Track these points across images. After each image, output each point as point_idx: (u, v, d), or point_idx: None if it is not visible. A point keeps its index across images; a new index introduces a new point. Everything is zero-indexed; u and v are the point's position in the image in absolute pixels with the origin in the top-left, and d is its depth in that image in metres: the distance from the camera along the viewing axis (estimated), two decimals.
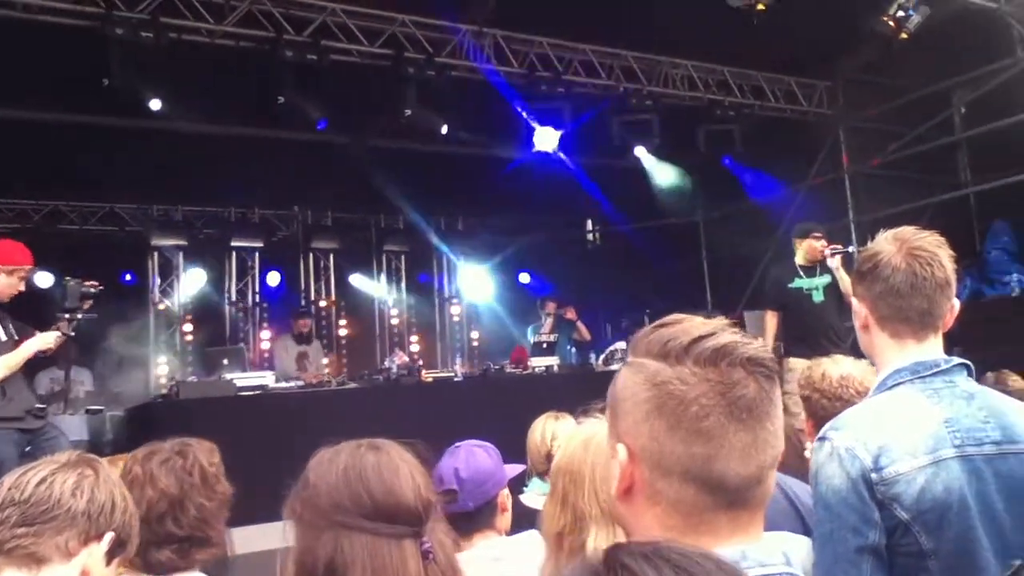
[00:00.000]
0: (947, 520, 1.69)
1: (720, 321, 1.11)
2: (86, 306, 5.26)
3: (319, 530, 1.51)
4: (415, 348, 13.35)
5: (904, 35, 7.71)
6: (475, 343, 14.06)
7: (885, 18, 7.65)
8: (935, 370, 1.87)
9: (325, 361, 10.45)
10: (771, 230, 11.10)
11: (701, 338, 1.07)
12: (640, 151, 10.51)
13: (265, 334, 12.03)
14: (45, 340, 5.00)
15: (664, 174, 11.24)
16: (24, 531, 1.59)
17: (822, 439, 1.82)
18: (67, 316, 5.10)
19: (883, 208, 9.53)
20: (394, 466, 1.56)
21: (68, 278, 5.33)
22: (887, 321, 1.92)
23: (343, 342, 13.16)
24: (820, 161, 11.13)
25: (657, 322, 1.13)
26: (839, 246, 6.80)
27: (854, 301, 2.00)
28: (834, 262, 6.71)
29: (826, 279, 6.89)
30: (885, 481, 1.72)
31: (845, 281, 6.48)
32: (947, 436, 1.76)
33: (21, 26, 6.64)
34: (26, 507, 1.61)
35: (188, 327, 11.87)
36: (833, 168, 11.03)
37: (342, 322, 13.28)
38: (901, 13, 7.61)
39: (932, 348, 1.91)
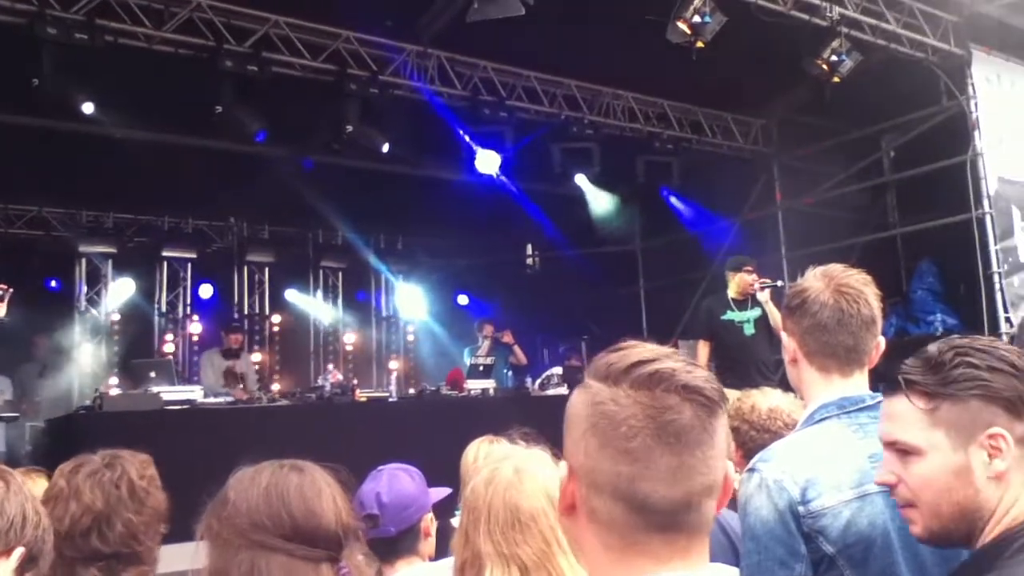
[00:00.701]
0: (871, 554, 1.72)
1: (669, 349, 1.12)
2: None
3: (235, 549, 1.47)
4: (350, 367, 13.19)
5: (836, 79, 7.93)
6: (411, 363, 13.96)
7: (819, 61, 7.86)
8: (861, 405, 1.90)
9: (256, 375, 10.22)
10: (707, 260, 11.32)
11: (641, 363, 1.08)
12: (580, 178, 10.62)
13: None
14: None
15: (602, 202, 11.37)
16: None
17: (751, 470, 1.84)
18: None
19: (814, 245, 9.77)
20: (317, 488, 1.53)
21: None
22: (814, 356, 1.95)
23: (276, 358, 12.94)
24: (754, 196, 11.38)
25: (613, 346, 1.15)
26: (768, 280, 6.94)
27: (783, 335, 2.04)
28: (763, 295, 6.84)
29: (757, 312, 7.01)
30: (812, 514, 1.74)
31: (774, 314, 6.61)
32: (871, 471, 1.78)
33: None
34: None
35: (115, 338, 11.56)
36: (767, 204, 11.29)
37: (276, 337, 13.06)
38: (834, 58, 7.83)
39: (858, 384, 1.95)
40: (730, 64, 7.95)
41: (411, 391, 10.19)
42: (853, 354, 1.94)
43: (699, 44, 7.18)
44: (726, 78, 8.83)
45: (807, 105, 9.56)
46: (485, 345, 10.30)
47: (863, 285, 1.97)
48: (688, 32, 7.14)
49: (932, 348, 1.52)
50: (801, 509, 1.74)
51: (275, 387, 10.94)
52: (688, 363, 1.11)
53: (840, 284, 1.95)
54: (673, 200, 11.33)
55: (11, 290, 5.13)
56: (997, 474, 1.41)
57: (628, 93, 10.10)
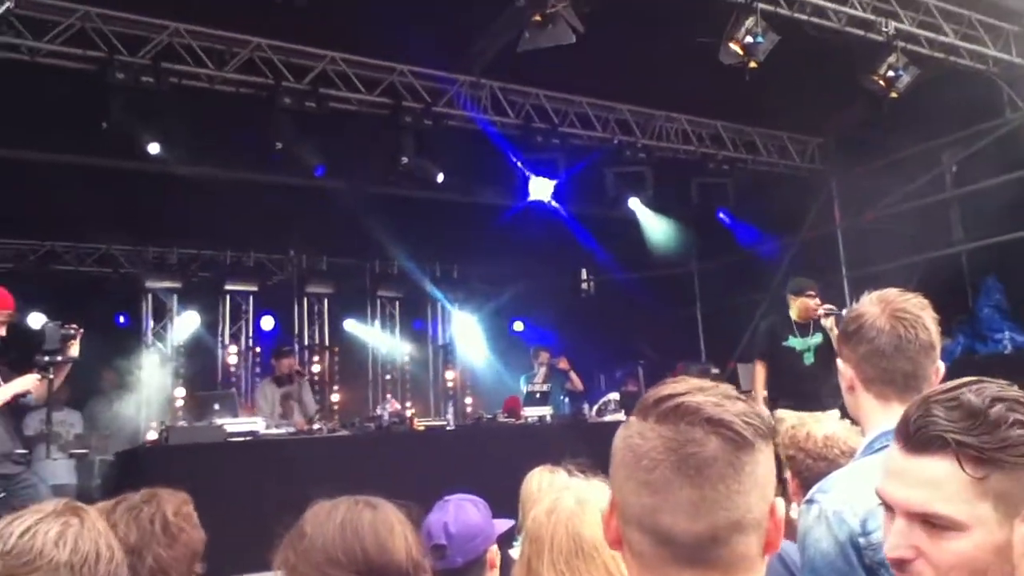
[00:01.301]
0: None
1: (714, 384, 1.13)
2: (70, 349, 5.23)
3: None
4: (408, 395, 13.27)
5: (894, 94, 7.81)
6: (468, 391, 13.99)
7: (875, 77, 7.76)
8: None
9: (315, 401, 10.29)
10: (765, 282, 11.16)
11: (670, 396, 1.10)
12: (634, 202, 10.60)
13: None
14: (24, 384, 4.98)
15: (657, 225, 11.32)
16: None
17: (810, 501, 1.82)
18: (47, 359, 5.08)
19: (876, 264, 9.58)
20: (389, 525, 1.57)
21: (47, 321, 5.33)
22: (872, 383, 1.92)
23: (336, 388, 13.08)
24: (812, 215, 11.22)
25: (667, 378, 1.18)
26: (833, 306, 6.78)
27: (839, 362, 2.00)
28: (828, 322, 6.68)
29: (818, 339, 6.89)
30: (873, 546, 1.69)
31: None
32: None
33: (25, 68, 6.72)
34: (8, 558, 1.58)
35: (181, 371, 11.81)
36: (825, 223, 11.12)
37: (337, 367, 13.21)
38: (891, 73, 7.72)
39: None
40: (785, 83, 7.88)
41: (468, 420, 10.22)
42: (912, 380, 1.90)
43: (752, 64, 7.14)
44: (781, 97, 8.75)
45: (865, 121, 9.42)
46: (541, 372, 10.29)
47: (920, 309, 1.93)
48: (741, 53, 7.10)
49: (972, 399, 1.26)
50: (862, 541, 1.70)
51: (335, 417, 11.06)
52: (725, 396, 1.10)
53: (896, 309, 1.92)
54: (729, 221, 11.22)
55: (82, 330, 5.27)
56: None
57: (681, 115, 10.08)
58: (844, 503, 1.75)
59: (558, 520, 1.90)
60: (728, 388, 1.12)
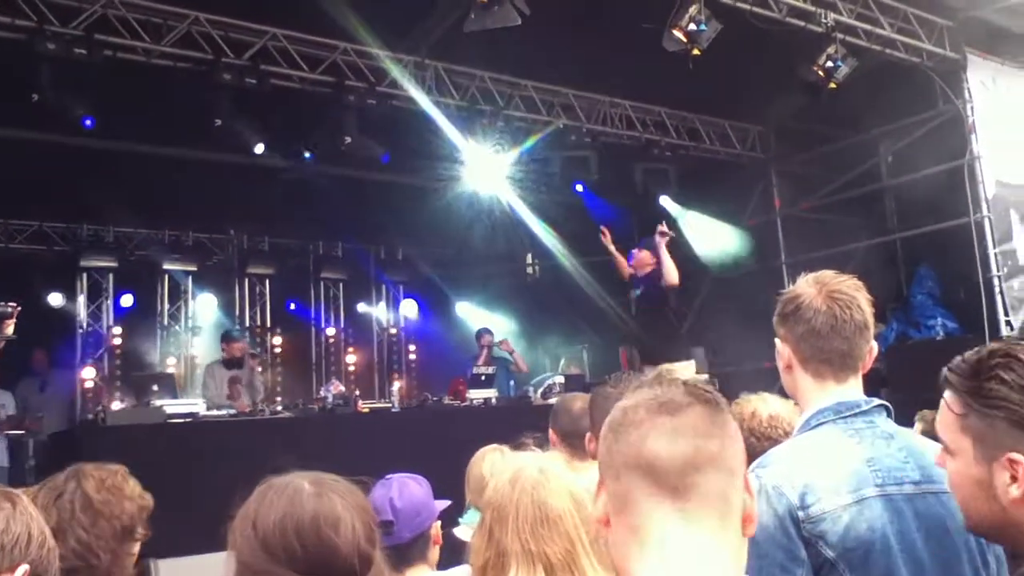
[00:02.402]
0: (872, 559, 1.73)
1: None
2: (7, 328, 5.08)
3: (253, 572, 1.49)
4: (351, 378, 13.18)
5: (833, 85, 7.96)
6: (413, 374, 13.94)
7: (815, 68, 7.89)
8: (856, 410, 1.92)
9: (262, 382, 10.16)
10: (706, 269, 11.32)
11: (657, 376, 1.27)
12: (579, 187, 10.64)
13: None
14: None
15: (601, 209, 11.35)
16: None
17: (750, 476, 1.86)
18: None
19: (813, 251, 9.78)
20: (334, 517, 1.53)
21: None
22: (809, 362, 1.96)
23: (278, 370, 12.93)
24: (753, 203, 11.39)
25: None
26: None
27: (777, 342, 2.04)
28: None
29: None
30: (811, 519, 1.75)
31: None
32: (869, 475, 1.81)
33: None
34: None
35: (116, 352, 11.56)
36: (765, 210, 11.30)
37: (277, 349, 13.05)
38: (830, 64, 7.86)
39: (852, 389, 1.96)
40: (727, 71, 7.98)
41: (413, 402, 10.20)
42: (848, 359, 1.95)
43: (695, 52, 7.20)
44: (722, 85, 8.86)
45: (804, 111, 9.59)
46: (483, 354, 10.31)
47: (855, 291, 1.98)
48: (684, 40, 7.17)
49: (986, 348, 1.47)
50: (800, 514, 1.75)
51: (278, 399, 10.94)
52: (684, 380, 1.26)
53: (832, 290, 1.96)
54: (670, 207, 11.31)
55: (19, 308, 5.12)
56: (1012, 500, 1.37)
57: (625, 101, 10.14)
58: (783, 477, 1.79)
59: (523, 489, 1.93)
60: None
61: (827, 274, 2.02)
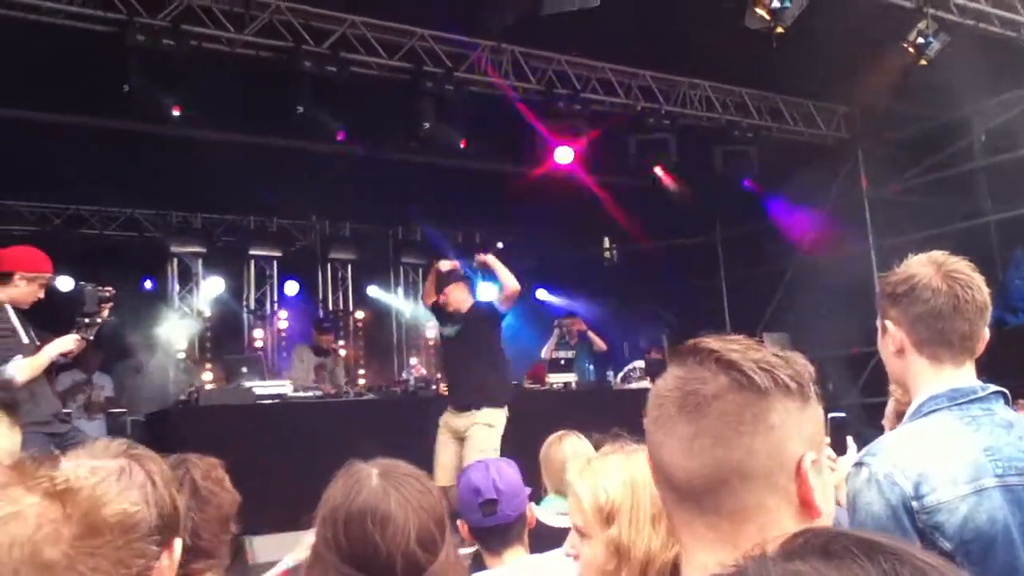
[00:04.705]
0: (992, 552, 1.66)
1: (752, 342, 1.12)
2: (104, 311, 5.31)
3: (315, 555, 1.56)
4: (432, 361, 13.33)
5: (924, 62, 7.66)
6: None
7: (905, 44, 7.60)
8: (972, 397, 1.83)
9: (343, 379, 10.38)
10: (790, 251, 11.06)
11: (694, 341, 1.12)
12: (657, 170, 10.49)
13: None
14: (66, 343, 5.06)
15: (680, 193, 11.19)
16: None
17: (859, 464, 1.80)
18: (86, 321, 5.16)
19: (903, 234, 9.45)
20: (384, 515, 1.56)
21: (85, 283, 5.40)
22: (925, 345, 1.88)
23: (360, 353, 13.17)
24: (838, 185, 11.06)
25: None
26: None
27: (888, 324, 1.94)
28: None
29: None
30: (927, 509, 1.68)
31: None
32: (988, 465, 1.73)
33: (44, 30, 6.73)
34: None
35: (207, 334, 11.95)
36: (852, 192, 10.96)
37: (359, 332, 13.29)
38: (921, 40, 7.56)
39: (968, 374, 1.88)
40: (812, 49, 7.73)
41: None
42: (968, 342, 1.87)
43: (779, 30, 7.01)
44: (807, 64, 8.59)
45: (893, 89, 9.23)
46: (553, 338, 10.20)
47: (971, 271, 1.90)
48: (767, 17, 6.98)
49: None
50: (915, 504, 1.69)
51: (361, 381, 11.16)
52: (751, 348, 1.09)
53: (950, 270, 1.88)
54: (753, 190, 11.08)
55: (115, 292, 5.34)
56: None
57: (705, 82, 9.94)
58: (894, 466, 1.73)
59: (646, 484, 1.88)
60: (766, 347, 1.11)
61: (939, 254, 1.93)
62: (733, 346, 1.09)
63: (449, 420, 6.57)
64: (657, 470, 1.10)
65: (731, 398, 1.05)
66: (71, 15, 6.81)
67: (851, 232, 10.70)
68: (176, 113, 7.48)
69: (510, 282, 6.82)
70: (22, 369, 4.84)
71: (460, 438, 6.41)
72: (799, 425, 1.07)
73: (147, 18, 7.00)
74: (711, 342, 1.09)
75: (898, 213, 10.19)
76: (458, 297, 6.86)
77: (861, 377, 9.65)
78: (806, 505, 1.06)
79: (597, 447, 2.08)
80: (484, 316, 6.85)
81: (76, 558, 0.80)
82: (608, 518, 1.77)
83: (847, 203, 10.93)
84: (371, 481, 1.60)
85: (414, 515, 1.56)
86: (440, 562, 1.56)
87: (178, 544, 1.47)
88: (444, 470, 6.19)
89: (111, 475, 1.40)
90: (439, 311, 7.03)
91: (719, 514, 1.04)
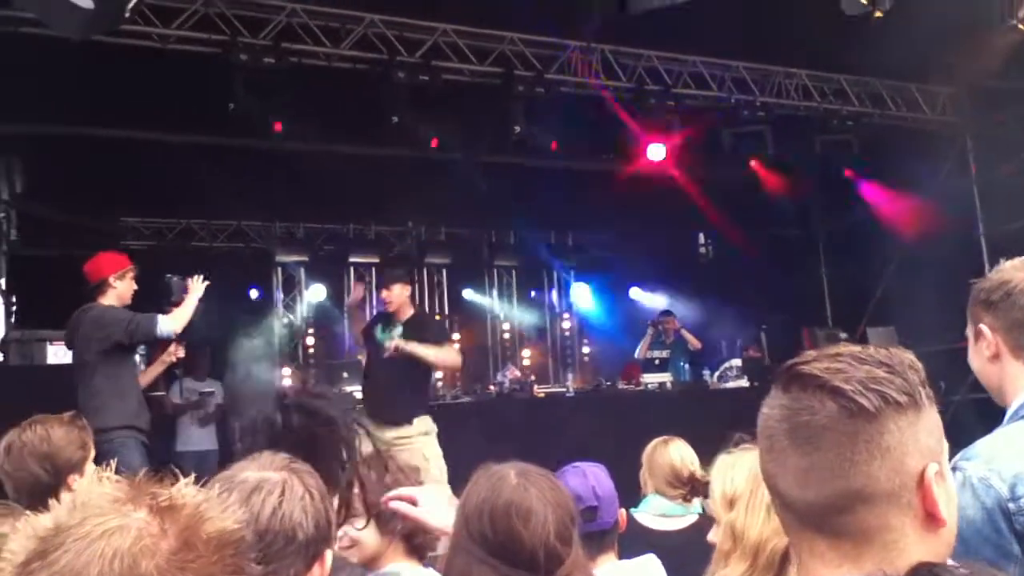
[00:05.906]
0: None
1: (855, 348, 1.10)
2: (193, 286, 5.52)
3: (457, 548, 1.64)
4: (527, 363, 13.41)
5: None
6: (586, 359, 14.02)
7: (1013, 20, 7.27)
8: None
9: (439, 377, 10.53)
10: (894, 242, 10.69)
11: (793, 364, 1.11)
12: (753, 163, 10.31)
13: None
14: (198, 289, 5.37)
15: (778, 186, 10.96)
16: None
17: (953, 468, 1.76)
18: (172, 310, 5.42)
19: (1014, 220, 9.03)
20: (526, 509, 1.63)
21: (169, 275, 5.66)
22: (1022, 349, 1.86)
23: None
24: (946, 171, 10.63)
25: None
26: None
27: (983, 329, 1.92)
28: None
29: None
30: None
31: None
32: None
33: (154, 55, 7.08)
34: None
35: (310, 340, 12.31)
36: (959, 178, 10.52)
37: (456, 336, 13.46)
38: None
39: None
40: (912, 32, 7.47)
41: (587, 386, 10.25)
42: None
43: (877, 14, 6.80)
44: (908, 46, 8.30)
45: (1001, 69, 8.82)
46: (647, 338, 10.07)
47: None
48: (865, 2, 6.77)
49: None
50: (1011, 506, 1.65)
51: (457, 384, 11.30)
52: (856, 360, 1.07)
53: None
54: (854, 181, 10.75)
55: (202, 278, 5.54)
56: None
57: (801, 70, 9.70)
58: (990, 469, 1.70)
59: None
60: (871, 351, 1.09)
61: None
62: (837, 364, 1.07)
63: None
64: (774, 496, 1.12)
65: (842, 427, 1.04)
66: (181, 39, 7.15)
67: (959, 220, 10.27)
68: (277, 127, 7.77)
69: (439, 362, 6.60)
70: (172, 322, 5.20)
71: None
72: (915, 439, 1.06)
73: (249, 38, 7.29)
74: (813, 363, 1.08)
75: (1009, 198, 9.72)
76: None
77: (970, 372, 9.23)
78: (931, 517, 1.06)
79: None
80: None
81: (168, 571, 0.86)
82: (730, 504, 1.93)
83: (954, 189, 10.48)
84: (511, 479, 1.67)
85: (552, 510, 1.63)
86: (573, 555, 1.62)
87: (329, 556, 1.51)
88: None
89: (276, 486, 1.48)
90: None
91: (840, 536, 1.05)
